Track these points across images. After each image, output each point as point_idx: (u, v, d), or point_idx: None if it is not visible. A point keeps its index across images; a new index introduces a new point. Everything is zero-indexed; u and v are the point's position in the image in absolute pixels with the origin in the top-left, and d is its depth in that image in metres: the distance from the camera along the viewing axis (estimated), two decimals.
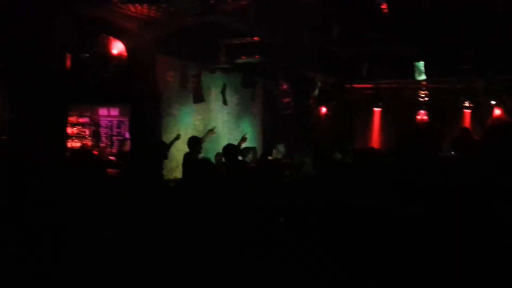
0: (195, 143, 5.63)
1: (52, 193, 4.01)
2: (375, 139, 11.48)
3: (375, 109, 11.67)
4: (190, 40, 6.82)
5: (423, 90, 10.52)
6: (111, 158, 8.27)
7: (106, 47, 5.98)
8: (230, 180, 4.59)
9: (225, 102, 8.40)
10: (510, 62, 7.10)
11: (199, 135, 7.64)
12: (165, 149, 5.00)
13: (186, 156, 5.64)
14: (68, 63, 5.67)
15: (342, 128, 11.05)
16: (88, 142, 9.65)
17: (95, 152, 8.58)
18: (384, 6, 4.59)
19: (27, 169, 4.39)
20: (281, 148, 7.36)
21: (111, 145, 9.74)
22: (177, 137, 6.09)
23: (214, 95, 8.13)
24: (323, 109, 10.93)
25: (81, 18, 5.14)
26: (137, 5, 5.80)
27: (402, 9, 5.45)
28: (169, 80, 7.19)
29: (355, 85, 10.93)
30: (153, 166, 5.58)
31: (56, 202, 3.81)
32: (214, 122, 8.17)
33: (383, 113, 11.65)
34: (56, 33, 4.88)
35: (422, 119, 11.07)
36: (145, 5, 5.84)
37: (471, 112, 10.61)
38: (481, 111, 10.24)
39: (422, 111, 11.01)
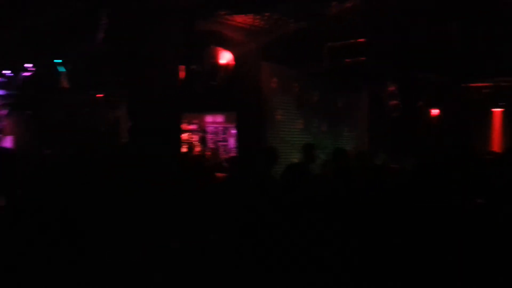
0: (309, 150, 5.52)
1: (166, 195, 4.25)
2: (496, 144, 10.38)
3: (495, 109, 10.55)
4: (292, 45, 6.84)
5: None
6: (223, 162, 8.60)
7: (215, 57, 6.25)
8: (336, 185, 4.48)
9: (327, 106, 8.25)
10: None
11: (302, 140, 7.62)
12: (275, 154, 5.01)
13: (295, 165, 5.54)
14: (181, 74, 6.04)
15: (456, 131, 10.17)
16: (197, 148, 10.17)
17: (206, 156, 9.04)
18: None
19: (144, 172, 4.72)
20: (382, 155, 7.03)
21: (218, 150, 10.17)
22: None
23: (316, 99, 8.03)
24: (434, 111, 10.19)
25: (193, 31, 5.42)
26: (243, 15, 5.98)
27: None
28: (272, 86, 7.27)
29: (472, 84, 9.99)
30: (262, 171, 5.63)
31: (169, 203, 4.03)
32: (316, 127, 8.07)
33: (505, 114, 10.48)
34: (171, 46, 5.21)
35: None
36: (251, 15, 5.99)
37: None
38: None
39: None
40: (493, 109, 10.54)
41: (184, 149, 9.09)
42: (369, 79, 8.15)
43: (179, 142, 6.94)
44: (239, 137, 7.53)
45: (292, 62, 7.26)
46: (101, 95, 10.83)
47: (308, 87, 7.89)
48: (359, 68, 7.26)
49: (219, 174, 7.29)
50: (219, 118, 10.42)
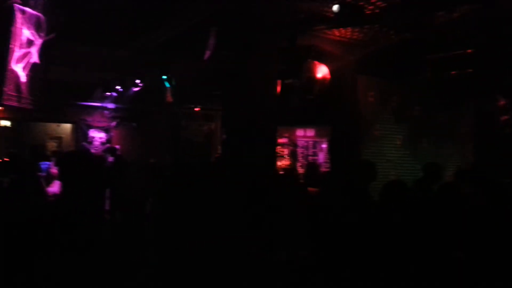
0: (434, 170, 5.16)
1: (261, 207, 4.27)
2: None
3: None
4: (392, 57, 6.60)
5: None
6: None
7: (312, 71, 6.25)
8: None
9: (429, 121, 7.79)
10: None
11: (401, 156, 7.27)
12: (374, 169, 4.81)
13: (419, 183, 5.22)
14: (278, 88, 6.14)
15: None
16: (287, 161, 10.19)
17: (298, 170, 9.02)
18: None
19: (239, 185, 4.81)
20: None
21: (314, 165, 10.08)
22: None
23: (417, 113, 7.64)
24: None
25: (294, 46, 5.48)
26: (341, 29, 5.91)
27: None
28: (369, 100, 7.07)
29: None
30: (359, 188, 5.43)
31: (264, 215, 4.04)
32: (416, 143, 7.66)
33: None
34: (272, 61, 5.32)
35: None
36: (349, 28, 5.90)
37: None
38: None
39: None
40: None
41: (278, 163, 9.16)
42: (476, 93, 7.55)
43: (275, 156, 7.02)
44: (332, 152, 7.41)
45: (392, 75, 7.00)
46: (198, 108, 11.41)
47: (408, 101, 7.54)
48: (464, 81, 6.78)
49: (311, 189, 7.23)
50: (310, 132, 10.36)
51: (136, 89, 9.12)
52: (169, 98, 8.12)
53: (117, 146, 11.23)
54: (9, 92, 4.18)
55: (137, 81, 8.80)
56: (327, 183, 7.76)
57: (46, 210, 2.59)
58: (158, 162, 7.22)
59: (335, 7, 4.32)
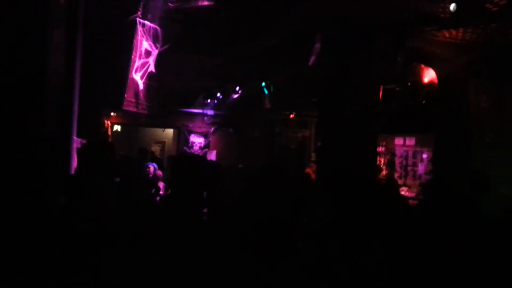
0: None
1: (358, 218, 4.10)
2: None
3: None
4: (507, 58, 6.01)
5: None
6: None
7: (418, 76, 5.92)
8: None
9: None
10: None
11: None
12: (487, 180, 4.41)
13: None
14: (381, 94, 5.90)
15: None
16: (383, 172, 9.77)
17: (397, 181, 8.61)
18: None
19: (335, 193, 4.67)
20: None
21: (406, 176, 9.58)
22: None
23: None
24: None
25: (401, 49, 5.25)
26: (452, 30, 5.53)
27: None
28: (482, 106, 6.50)
29: None
30: (469, 200, 5.03)
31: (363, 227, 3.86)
32: None
33: None
34: (376, 66, 5.14)
35: None
36: (461, 29, 5.50)
37: None
38: None
39: None
40: None
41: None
42: None
43: (375, 165, 6.75)
44: (437, 161, 6.93)
45: (507, 77, 6.38)
46: (293, 115, 11.45)
47: None
48: None
49: (410, 201, 6.82)
50: (410, 141, 9.82)
51: (235, 96, 9.42)
52: (267, 104, 8.24)
53: (214, 151, 11.70)
54: (129, 99, 4.57)
55: (237, 88, 9.08)
56: (429, 195, 7.29)
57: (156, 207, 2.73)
58: (246, 167, 7.33)
59: (452, 6, 4.03)
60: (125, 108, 4.64)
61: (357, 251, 2.70)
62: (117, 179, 4.56)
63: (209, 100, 10.29)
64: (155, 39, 4.87)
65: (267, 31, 5.54)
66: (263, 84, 7.86)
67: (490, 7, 4.24)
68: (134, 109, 4.74)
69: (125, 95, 4.49)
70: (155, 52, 4.92)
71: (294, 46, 5.95)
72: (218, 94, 9.72)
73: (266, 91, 7.99)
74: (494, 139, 6.51)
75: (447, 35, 5.66)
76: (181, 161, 2.82)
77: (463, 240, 3.18)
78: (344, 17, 4.61)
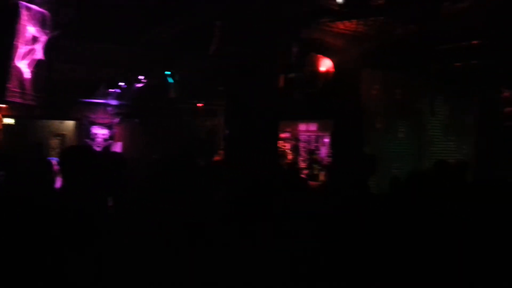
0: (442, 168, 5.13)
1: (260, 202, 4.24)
2: None
3: None
4: (396, 50, 6.56)
5: None
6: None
7: (315, 65, 6.22)
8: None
9: (433, 114, 7.76)
10: None
11: (406, 150, 7.25)
12: (375, 162, 4.80)
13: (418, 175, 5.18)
14: (281, 82, 6.10)
15: None
16: (289, 156, 10.16)
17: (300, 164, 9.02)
18: None
19: (242, 180, 4.78)
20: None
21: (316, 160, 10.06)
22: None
23: (421, 106, 7.61)
24: None
25: (298, 40, 5.45)
26: (345, 21, 5.87)
27: None
28: (373, 93, 7.04)
29: None
30: (359, 180, 5.44)
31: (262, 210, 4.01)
32: (421, 136, 7.63)
33: None
34: (276, 56, 5.29)
35: None
36: (354, 20, 5.86)
37: None
38: None
39: None
40: None
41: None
42: (481, 84, 7.52)
43: (276, 151, 6.99)
44: (335, 145, 7.38)
45: (396, 67, 6.96)
46: (201, 104, 11.40)
47: (412, 94, 7.51)
48: (470, 73, 6.74)
49: (312, 183, 7.22)
50: (313, 126, 10.32)
51: (139, 85, 9.11)
52: (173, 93, 8.10)
53: (119, 143, 11.24)
54: (12, 89, 4.17)
55: (141, 77, 8.79)
56: (329, 177, 7.77)
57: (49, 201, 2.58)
58: (161, 157, 7.19)
59: None
60: (9, 99, 4.23)
61: (252, 234, 2.79)
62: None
63: (111, 90, 9.84)
64: (43, 24, 4.49)
65: (172, 18, 5.42)
66: (168, 73, 7.70)
67: (377, 0, 4.57)
68: (20, 100, 4.34)
69: (9, 85, 4.08)
70: (43, 38, 4.54)
71: (199, 34, 5.89)
72: (122, 83, 9.33)
73: (171, 80, 7.84)
74: (384, 124, 7.10)
75: (341, 26, 5.99)
76: (69, 154, 2.67)
77: (354, 216, 3.46)
78: (243, 8, 4.67)
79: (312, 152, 9.85)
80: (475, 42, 5.96)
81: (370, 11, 4.60)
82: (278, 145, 9.76)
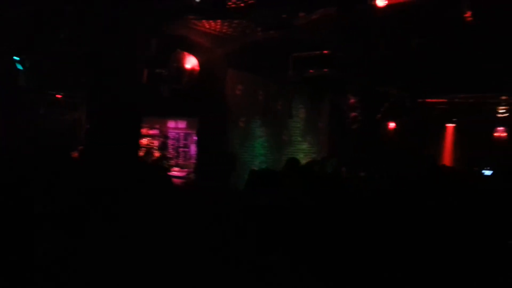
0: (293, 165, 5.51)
1: (125, 202, 4.14)
2: (447, 157, 10.88)
3: (448, 125, 11.09)
4: (260, 54, 6.91)
5: (503, 106, 9.84)
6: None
7: (181, 62, 6.21)
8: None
9: (290, 116, 8.38)
10: None
11: (267, 149, 7.69)
12: (234, 161, 5.03)
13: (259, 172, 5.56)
14: (145, 77, 5.96)
15: (411, 144, 10.59)
16: (156, 153, 9.98)
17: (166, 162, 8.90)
18: (468, 14, 4.35)
19: (101, 178, 4.59)
20: (333, 162, 7.23)
21: (177, 156, 10.04)
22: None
23: (281, 108, 8.15)
24: (392, 124, 10.56)
25: (160, 34, 5.38)
26: (211, 21, 5.99)
27: (485, 22, 5.14)
28: (237, 94, 7.31)
29: (428, 100, 10.47)
30: (221, 177, 5.64)
31: (129, 210, 3.93)
32: (280, 135, 8.17)
33: (456, 130, 11.04)
34: (136, 49, 5.14)
35: (499, 137, 10.34)
36: (219, 21, 6.01)
37: None
38: None
39: (500, 128, 10.29)
40: (447, 124, 11.07)
41: (142, 154, 8.92)
42: (331, 91, 8.35)
43: (137, 147, 6.80)
44: (200, 143, 7.48)
45: (259, 70, 7.32)
46: (60, 95, 10.50)
47: (273, 95, 7.99)
48: (322, 79, 7.43)
49: (176, 180, 7.22)
50: (182, 124, 10.29)
51: None
52: (22, 82, 7.31)
53: None
54: None
55: None
56: (196, 174, 7.86)
57: None
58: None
59: None
60: None
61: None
62: None
63: None
64: None
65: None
66: (17, 58, 6.91)
67: (236, 2, 4.74)
68: None
69: None
70: None
71: (53, 16, 5.40)
72: None
73: (20, 67, 7.06)
74: (247, 124, 7.44)
75: (206, 25, 6.09)
76: None
77: (215, 210, 3.59)
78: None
79: (163, 148, 9.84)
80: (325, 52, 6.59)
81: (227, 13, 4.76)
82: (144, 141, 9.52)
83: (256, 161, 7.31)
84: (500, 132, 10.33)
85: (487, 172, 6.22)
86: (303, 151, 8.46)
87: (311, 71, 6.97)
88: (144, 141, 9.87)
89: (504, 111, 9.88)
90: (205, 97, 6.84)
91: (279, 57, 7.17)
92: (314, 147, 8.87)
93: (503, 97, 9.49)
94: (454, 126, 11.07)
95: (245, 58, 7.02)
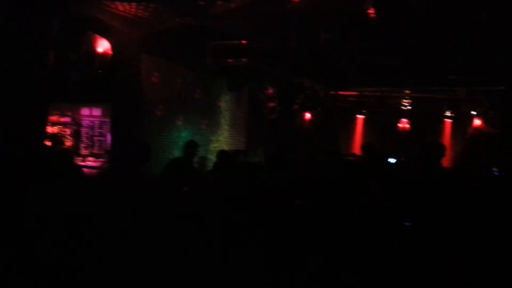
0: (190, 147, 5.54)
1: (29, 192, 3.90)
2: (357, 146, 11.59)
3: (359, 116, 11.80)
4: (177, 41, 6.76)
5: (406, 99, 10.68)
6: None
7: (92, 45, 5.88)
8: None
9: (210, 105, 8.35)
10: (491, 74, 7.26)
11: (182, 137, 7.56)
12: (148, 150, 4.92)
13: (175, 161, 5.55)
14: (53, 60, 5.54)
15: (325, 134, 11.12)
16: (68, 142, 9.42)
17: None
18: (371, 11, 4.63)
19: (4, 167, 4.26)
20: (259, 152, 7.41)
21: (92, 146, 9.55)
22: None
23: (200, 97, 8.07)
24: (308, 115, 10.98)
25: (69, 15, 5.03)
26: (125, 3, 5.72)
27: (390, 20, 5.52)
28: (154, 81, 7.10)
29: (340, 92, 11.04)
30: (134, 167, 5.51)
31: (32, 201, 3.70)
32: (198, 124, 8.11)
33: (366, 121, 11.79)
34: (44, 31, 4.76)
35: (403, 128, 11.23)
36: (133, 4, 5.76)
37: (452, 122, 10.83)
38: (462, 121, 10.47)
39: (404, 120, 11.17)
40: (357, 115, 11.77)
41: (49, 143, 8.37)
42: (250, 81, 8.45)
43: (43, 135, 6.36)
44: (114, 132, 7.17)
45: (176, 57, 7.17)
46: None
47: (192, 84, 7.89)
48: (241, 69, 7.48)
49: (89, 170, 6.88)
50: (97, 111, 9.77)
51: None
52: None
53: None
54: None
55: None
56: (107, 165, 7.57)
57: None
58: None
59: None
60: None
61: None
62: None
63: None
64: None
65: None
66: None
67: None
68: None
69: None
70: None
71: None
72: None
73: None
74: (163, 112, 7.26)
75: (120, 8, 5.81)
76: None
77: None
78: None
79: (75, 136, 9.37)
80: (243, 41, 6.64)
81: None
82: (53, 130, 8.91)
83: (173, 150, 7.18)
84: (404, 124, 11.22)
85: (392, 160, 6.71)
86: (222, 141, 8.50)
87: (229, 60, 6.99)
88: (53, 129, 9.26)
89: (407, 104, 10.74)
90: (119, 83, 6.55)
91: (198, 45, 7.08)
92: (234, 137, 8.94)
93: (407, 91, 10.30)
94: (363, 118, 11.80)
95: (162, 45, 6.82)
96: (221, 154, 5.91)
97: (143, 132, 6.66)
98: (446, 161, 5.62)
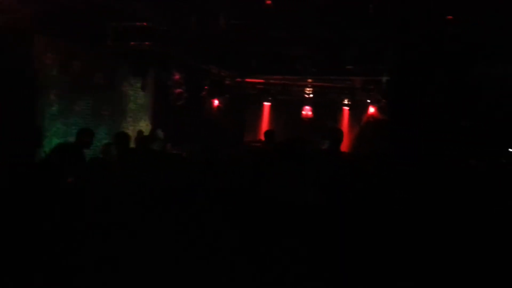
0: (83, 134, 5.21)
1: None
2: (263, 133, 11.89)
3: (265, 103, 12.10)
4: (75, 20, 6.30)
5: (308, 88, 11.19)
6: None
7: None
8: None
9: (112, 89, 7.97)
10: (381, 64, 7.89)
11: (84, 123, 7.13)
12: (39, 136, 4.61)
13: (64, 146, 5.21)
14: None
15: (233, 121, 11.25)
16: None
17: None
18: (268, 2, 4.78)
19: None
20: (159, 133, 7.28)
21: None
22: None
23: (100, 81, 7.64)
24: (216, 102, 11.00)
25: None
26: None
27: (292, 11, 5.72)
28: (48, 63, 6.56)
29: (247, 80, 11.21)
30: (26, 154, 5.16)
31: None
32: (100, 110, 7.70)
33: (272, 108, 12.13)
34: None
35: (306, 115, 11.76)
36: None
37: (349, 109, 11.60)
38: (358, 109, 11.27)
39: (307, 107, 11.69)
40: (264, 103, 12.06)
41: None
42: (156, 66, 8.21)
43: None
44: (3, 116, 6.52)
45: (75, 39, 6.69)
46: None
47: (93, 67, 7.44)
48: (144, 53, 7.21)
49: None
50: None
51: None
52: None
53: None
54: None
55: None
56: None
57: None
58: None
59: None
60: None
61: None
62: None
63: None
64: None
65: None
66: None
67: None
68: None
69: None
70: None
71: None
72: None
73: None
74: (58, 96, 6.76)
75: None
76: None
77: None
78: None
79: None
80: (145, 24, 6.42)
81: None
82: None
83: (70, 137, 6.74)
84: (307, 111, 11.75)
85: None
86: (126, 126, 8.18)
87: (132, 43, 6.71)
88: None
89: (309, 92, 11.25)
90: (6, 64, 5.95)
91: (98, 26, 6.69)
92: (138, 122, 8.66)
93: (309, 80, 10.78)
94: (270, 105, 12.13)
95: (58, 24, 6.32)
96: (122, 137, 5.53)
97: (34, 117, 6.16)
98: (344, 146, 6.02)
